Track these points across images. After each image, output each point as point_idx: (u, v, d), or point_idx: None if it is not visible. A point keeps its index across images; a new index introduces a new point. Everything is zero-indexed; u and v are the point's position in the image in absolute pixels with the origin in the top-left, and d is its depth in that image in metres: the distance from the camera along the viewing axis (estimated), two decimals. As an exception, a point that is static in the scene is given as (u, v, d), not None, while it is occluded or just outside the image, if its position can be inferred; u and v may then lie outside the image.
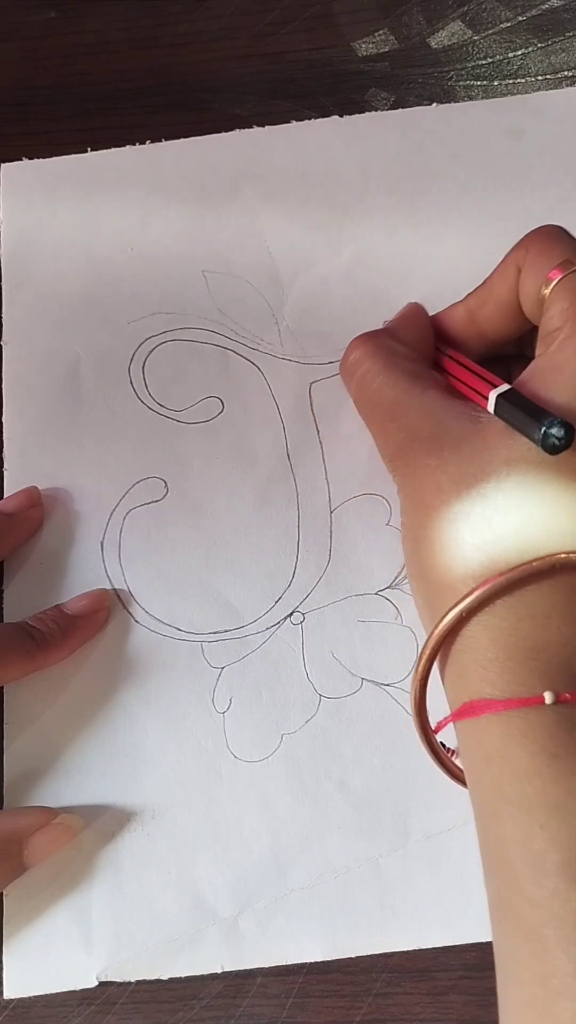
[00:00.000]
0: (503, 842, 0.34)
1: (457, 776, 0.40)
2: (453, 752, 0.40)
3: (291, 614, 0.47)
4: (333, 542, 0.47)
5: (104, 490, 0.48)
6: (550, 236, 0.40)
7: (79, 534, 0.47)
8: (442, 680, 0.39)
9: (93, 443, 0.48)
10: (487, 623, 0.36)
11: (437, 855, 0.44)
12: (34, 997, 0.44)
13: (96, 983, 0.43)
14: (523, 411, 0.35)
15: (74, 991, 0.44)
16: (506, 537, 0.36)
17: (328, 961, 0.44)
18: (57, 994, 0.44)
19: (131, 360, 0.50)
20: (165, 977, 0.44)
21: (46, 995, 0.44)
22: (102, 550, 0.47)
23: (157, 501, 0.48)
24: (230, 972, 0.44)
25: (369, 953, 0.44)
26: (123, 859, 0.44)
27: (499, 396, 0.37)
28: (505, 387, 0.37)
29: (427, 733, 0.39)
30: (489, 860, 0.35)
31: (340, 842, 0.44)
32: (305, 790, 0.45)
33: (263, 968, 0.44)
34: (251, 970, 0.44)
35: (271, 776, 0.45)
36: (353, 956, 0.44)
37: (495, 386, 0.38)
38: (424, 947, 0.44)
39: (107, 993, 0.44)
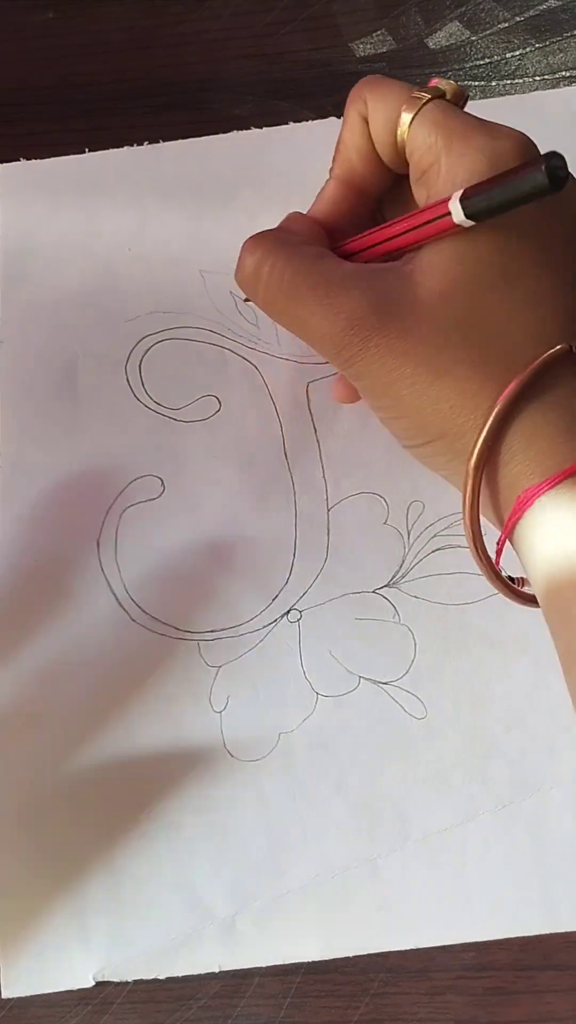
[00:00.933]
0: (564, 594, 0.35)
1: (524, 597, 0.40)
2: (519, 581, 0.40)
3: (288, 612, 0.47)
4: (330, 540, 0.48)
5: (101, 488, 0.49)
6: (378, 80, 0.40)
7: (75, 532, 0.48)
8: (485, 511, 0.39)
9: (90, 441, 0.49)
10: (516, 426, 0.36)
11: (435, 855, 0.45)
12: (31, 997, 0.45)
13: (93, 983, 0.44)
14: (500, 181, 0.34)
15: (72, 991, 0.45)
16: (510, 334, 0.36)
17: (325, 961, 0.45)
18: (54, 994, 0.45)
19: (128, 359, 0.50)
20: (162, 977, 0.44)
21: (43, 995, 0.45)
22: (98, 548, 0.48)
23: (154, 499, 0.49)
24: (227, 972, 0.45)
25: (367, 953, 0.44)
26: (119, 859, 0.45)
27: (463, 194, 0.35)
28: (457, 192, 0.35)
29: (485, 555, 0.39)
30: (557, 617, 0.36)
31: (338, 842, 0.45)
32: (303, 789, 0.46)
33: (260, 968, 0.45)
34: (249, 970, 0.45)
35: (268, 775, 0.46)
36: (351, 956, 0.45)
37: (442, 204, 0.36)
38: (422, 947, 0.44)
39: (104, 993, 0.45)
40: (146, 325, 0.51)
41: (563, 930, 0.44)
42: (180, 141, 0.54)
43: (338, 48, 0.57)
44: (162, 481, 0.49)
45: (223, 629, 0.47)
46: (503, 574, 0.39)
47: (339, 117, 0.54)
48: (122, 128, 0.56)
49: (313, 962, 0.45)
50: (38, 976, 0.44)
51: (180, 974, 0.44)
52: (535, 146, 0.38)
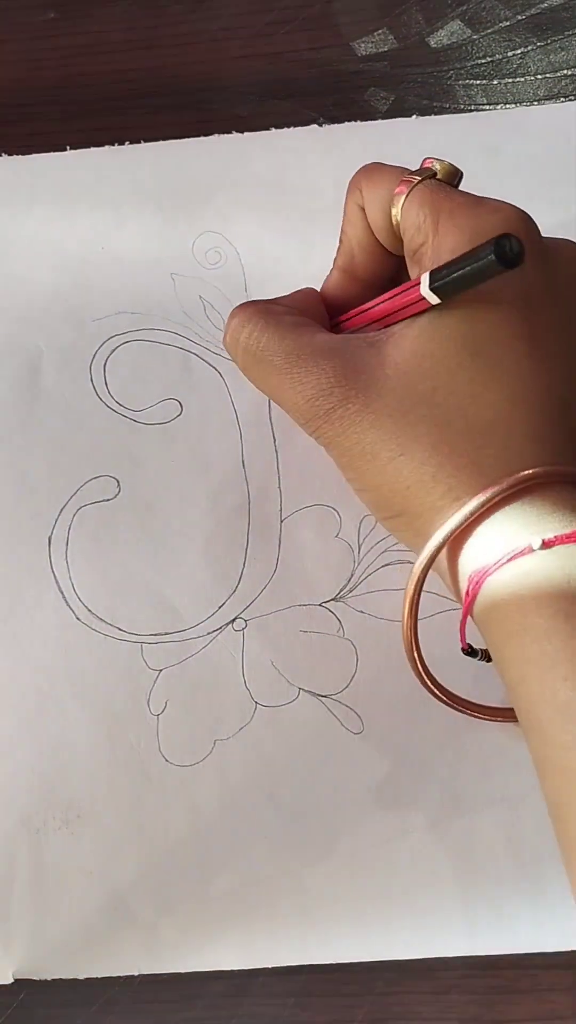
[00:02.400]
0: (532, 702, 0.36)
1: (446, 700, 0.44)
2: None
3: (233, 620, 0.51)
4: (281, 551, 0.51)
5: (56, 485, 0.52)
6: (374, 168, 0.44)
7: (27, 528, 0.52)
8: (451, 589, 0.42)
9: (48, 437, 0.53)
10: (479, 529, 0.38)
11: (361, 870, 0.48)
12: (38, 997, 0.48)
13: (11, 980, 0.47)
14: (463, 261, 0.37)
15: (76, 992, 0.48)
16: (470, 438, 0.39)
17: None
18: (60, 994, 0.48)
19: (93, 358, 0.54)
20: (81, 977, 0.47)
21: (49, 995, 0.48)
22: (49, 545, 0.52)
23: (108, 500, 0.52)
24: (232, 971, 0.48)
25: (286, 964, 0.48)
26: (46, 857, 0.48)
27: (431, 273, 0.38)
28: (426, 273, 0.39)
29: (418, 656, 0.43)
30: (525, 724, 0.37)
31: (265, 852, 0.48)
32: (234, 798, 0.48)
33: (266, 968, 0.48)
34: (253, 969, 0.48)
35: (201, 782, 0.49)
36: (268, 967, 0.48)
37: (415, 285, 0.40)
38: (342, 961, 0.47)
39: (109, 993, 0.48)
40: (113, 325, 0.55)
41: (480, 953, 0.47)
42: (160, 143, 0.58)
43: (339, 47, 0.60)
44: (118, 482, 0.52)
45: (167, 633, 0.50)
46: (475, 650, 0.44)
47: (332, 122, 0.58)
48: (123, 128, 0.59)
49: (319, 962, 0.48)
50: None
51: (99, 975, 0.47)
52: (524, 219, 0.40)
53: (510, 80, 0.58)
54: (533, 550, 0.36)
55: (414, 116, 0.58)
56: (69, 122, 0.60)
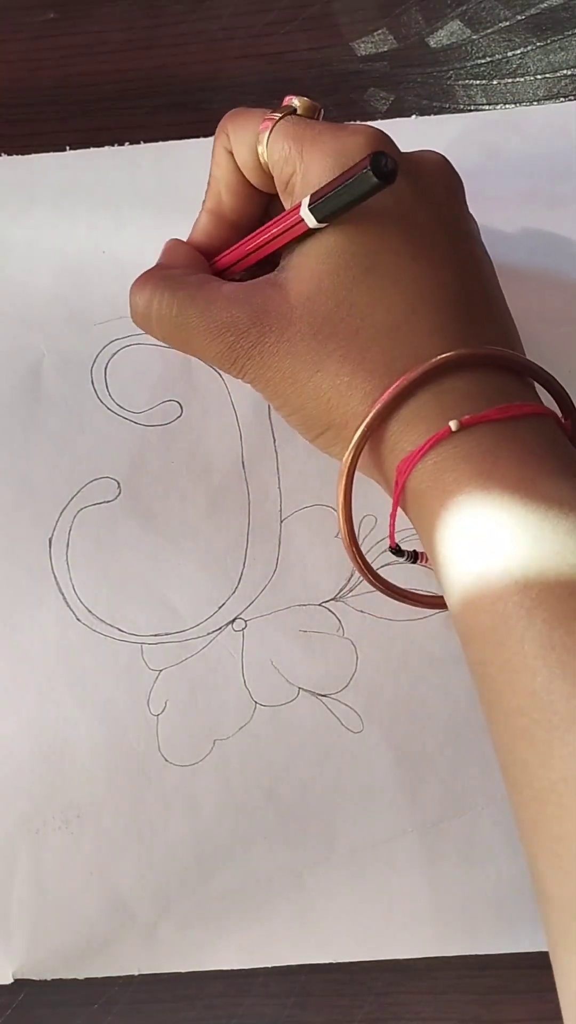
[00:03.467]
0: (456, 574, 0.40)
1: (384, 588, 0.46)
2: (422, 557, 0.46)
3: (233, 620, 0.51)
4: (281, 551, 0.52)
5: (57, 487, 0.53)
6: (239, 111, 0.47)
7: (28, 529, 0.52)
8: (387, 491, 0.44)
9: (49, 440, 0.54)
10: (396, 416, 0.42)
11: (360, 869, 0.48)
12: (37, 998, 0.49)
13: (11, 980, 0.48)
14: (339, 183, 0.40)
15: (75, 992, 0.49)
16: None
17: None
18: (60, 994, 0.49)
19: (94, 361, 0.55)
20: (81, 977, 0.48)
21: (48, 995, 0.49)
22: (50, 546, 0.52)
23: (109, 501, 0.53)
24: (232, 971, 0.49)
25: (285, 964, 0.48)
26: (46, 857, 0.49)
27: (311, 196, 0.41)
28: (306, 198, 0.42)
29: (354, 543, 0.45)
30: (450, 597, 0.41)
31: (265, 851, 0.49)
32: (233, 797, 0.49)
33: (265, 968, 0.48)
34: (253, 969, 0.48)
35: (200, 781, 0.49)
36: (269, 966, 0.49)
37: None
38: (340, 960, 0.48)
39: (109, 993, 0.49)
40: (114, 328, 0.55)
41: (480, 952, 0.48)
42: (160, 144, 0.58)
43: (339, 47, 0.61)
44: (119, 484, 0.53)
45: (167, 634, 0.51)
46: (403, 550, 0.46)
47: (338, 116, 0.59)
48: (122, 128, 0.60)
49: (318, 962, 0.48)
50: None
51: (99, 975, 0.48)
52: (384, 138, 0.43)
53: (510, 80, 0.59)
54: (452, 432, 0.39)
55: (414, 116, 0.59)
56: (68, 122, 0.60)
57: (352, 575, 0.51)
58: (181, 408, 0.54)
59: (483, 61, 0.60)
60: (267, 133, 0.44)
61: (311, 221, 0.42)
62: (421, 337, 0.42)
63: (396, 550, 0.46)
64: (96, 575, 0.52)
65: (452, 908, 0.48)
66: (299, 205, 0.42)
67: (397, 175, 0.39)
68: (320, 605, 0.51)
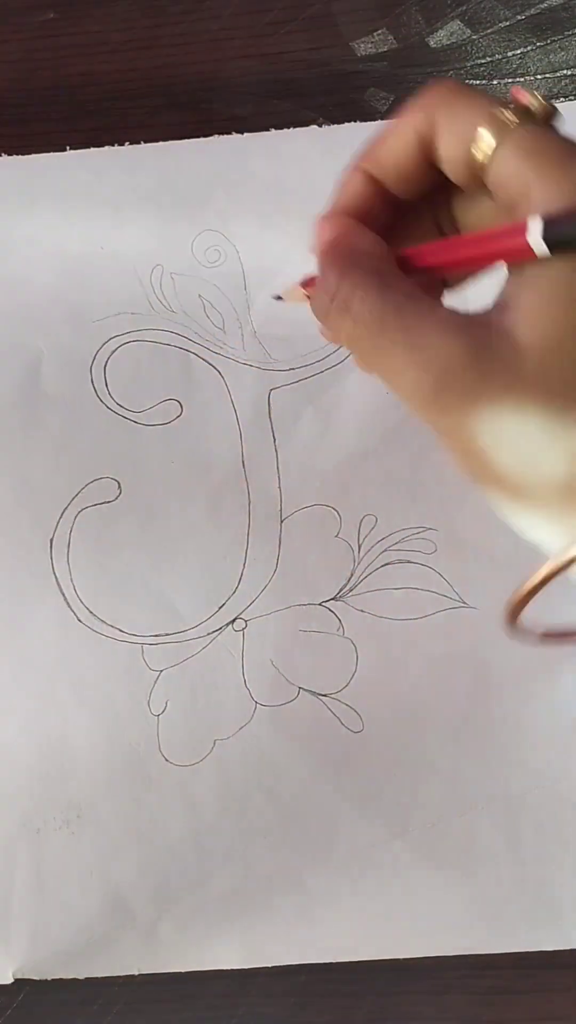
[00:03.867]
0: None
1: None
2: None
3: (233, 621, 0.51)
4: (281, 551, 0.52)
5: (57, 487, 0.53)
6: (455, 92, 0.38)
7: (29, 530, 0.53)
8: None
9: (49, 440, 0.54)
10: None
11: (361, 870, 0.48)
12: (37, 998, 0.49)
13: (11, 980, 0.48)
14: None
15: (76, 992, 0.49)
16: None
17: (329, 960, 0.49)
18: (60, 995, 0.49)
19: (93, 359, 0.55)
20: (81, 977, 0.48)
21: (49, 996, 0.49)
22: (51, 547, 0.53)
23: (110, 502, 0.53)
24: (232, 971, 0.49)
25: (285, 963, 0.48)
26: (46, 857, 0.49)
27: (546, 222, 0.34)
28: (537, 217, 0.33)
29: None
30: None
31: (265, 851, 0.49)
32: (233, 797, 0.49)
33: (266, 967, 0.49)
34: (253, 969, 0.48)
35: (201, 781, 0.50)
36: (270, 966, 0.49)
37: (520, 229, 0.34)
38: (340, 960, 0.48)
39: (108, 993, 0.49)
40: (113, 326, 0.56)
41: (481, 952, 0.48)
42: (160, 143, 0.59)
43: (338, 48, 0.61)
44: (119, 484, 0.53)
45: (167, 634, 0.51)
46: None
47: (332, 122, 0.59)
48: (122, 128, 0.60)
49: (318, 962, 0.48)
50: None
51: (99, 975, 0.48)
52: None
53: (510, 80, 0.59)
54: None
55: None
56: (68, 122, 0.61)
57: (352, 575, 0.51)
58: (181, 407, 0.54)
59: (483, 61, 0.60)
60: (495, 140, 0.36)
61: (541, 249, 0.34)
62: None
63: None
64: (97, 576, 0.52)
65: (453, 908, 0.48)
66: (524, 224, 0.34)
67: None
68: (320, 605, 0.51)
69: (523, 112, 0.37)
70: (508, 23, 0.61)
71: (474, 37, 0.61)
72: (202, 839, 0.49)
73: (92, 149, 0.59)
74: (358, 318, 0.37)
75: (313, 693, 0.50)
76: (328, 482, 0.53)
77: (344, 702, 0.50)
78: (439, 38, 0.61)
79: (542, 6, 0.61)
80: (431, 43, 0.61)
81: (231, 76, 0.61)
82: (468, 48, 0.61)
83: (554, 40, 0.60)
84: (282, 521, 0.52)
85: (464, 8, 0.61)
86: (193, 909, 0.49)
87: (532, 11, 0.61)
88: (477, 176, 0.38)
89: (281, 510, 0.53)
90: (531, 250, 0.34)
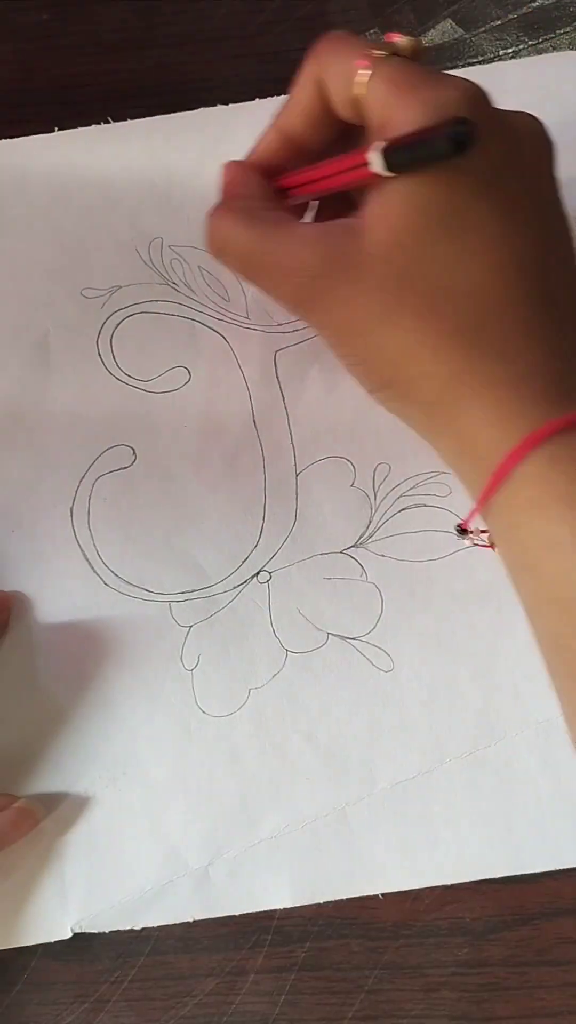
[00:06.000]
0: (525, 545, 0.41)
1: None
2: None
3: (258, 573, 0.53)
4: (299, 504, 0.54)
5: (74, 458, 0.55)
6: (337, 38, 0.45)
7: (49, 501, 0.54)
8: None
9: (62, 413, 0.55)
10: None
11: (402, 802, 0.50)
12: (28, 995, 0.50)
13: (71, 934, 0.49)
14: (414, 139, 0.39)
15: (66, 990, 0.50)
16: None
17: (321, 958, 0.50)
18: (51, 991, 0.50)
19: (99, 333, 0.56)
20: (138, 927, 0.49)
21: (40, 992, 0.50)
22: (72, 516, 0.54)
23: (126, 468, 0.54)
24: (223, 969, 0.50)
25: (336, 898, 0.50)
26: (95, 814, 0.51)
27: (386, 150, 0.40)
28: (380, 143, 0.40)
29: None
30: (517, 567, 0.42)
31: (307, 792, 0.50)
32: (272, 742, 0.51)
33: (255, 965, 0.50)
34: (244, 967, 0.49)
35: (239, 730, 0.51)
36: (321, 902, 0.50)
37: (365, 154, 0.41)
38: (389, 891, 0.49)
39: (100, 991, 0.50)
40: (117, 299, 0.57)
41: (526, 871, 0.49)
42: (148, 119, 0.60)
43: None
44: (133, 450, 0.55)
45: (194, 591, 0.53)
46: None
47: None
48: None
49: (308, 960, 0.50)
50: (17, 929, 0.50)
51: (155, 924, 0.49)
52: (482, 95, 0.42)
53: (502, 80, 0.61)
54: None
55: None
56: (63, 123, 0.61)
57: (370, 522, 0.53)
58: (189, 373, 0.56)
59: (475, 60, 0.62)
60: (367, 72, 0.43)
61: (381, 170, 0.40)
62: (499, 306, 0.41)
63: (463, 531, 0.48)
64: (119, 540, 0.54)
65: (495, 831, 0.50)
66: (369, 147, 0.41)
67: (471, 147, 0.38)
68: (342, 552, 0.53)
69: (392, 49, 0.43)
70: (500, 22, 0.62)
71: (466, 36, 0.62)
72: (246, 785, 0.51)
73: (80, 128, 0.61)
74: (232, 254, 0.46)
75: (342, 637, 0.52)
76: (339, 435, 0.54)
77: (373, 644, 0.52)
78: (431, 37, 0.62)
79: (533, 5, 0.63)
80: (423, 42, 0.61)
81: (225, 76, 0.62)
82: (460, 47, 0.62)
83: (546, 39, 0.62)
84: (297, 475, 0.54)
85: (456, 7, 0.63)
86: (242, 853, 0.50)
87: (523, 10, 0.62)
88: (360, 111, 0.45)
89: (295, 464, 0.54)
90: (375, 176, 0.41)
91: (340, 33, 0.46)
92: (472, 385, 0.42)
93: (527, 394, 0.41)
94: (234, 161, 0.50)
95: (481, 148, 0.40)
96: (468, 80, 0.42)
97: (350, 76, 0.44)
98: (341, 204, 0.49)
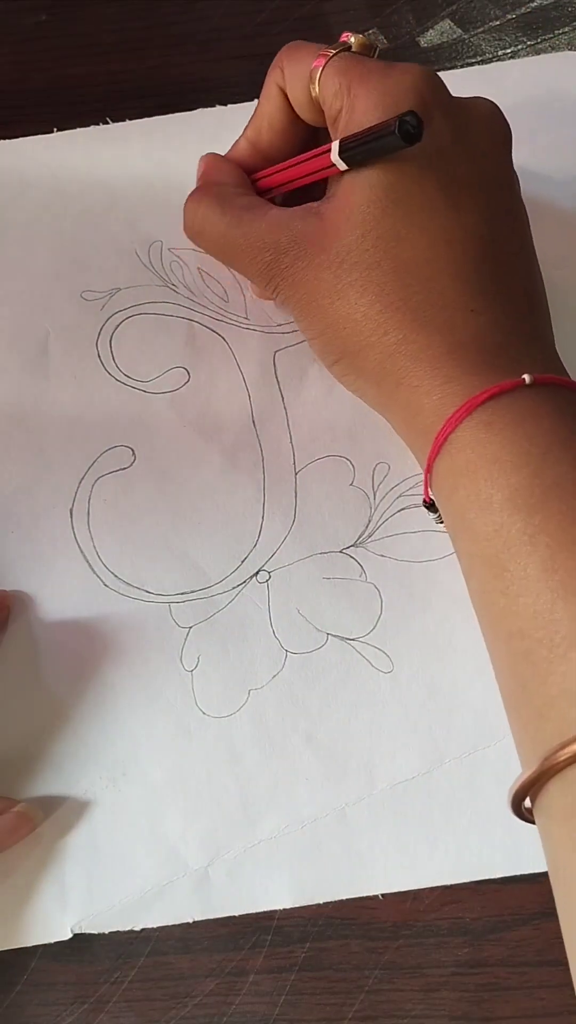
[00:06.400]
0: (477, 541, 0.42)
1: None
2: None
3: (257, 573, 0.53)
4: (298, 503, 0.54)
5: (73, 459, 0.55)
6: (295, 46, 0.49)
7: (49, 502, 0.54)
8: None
9: (61, 414, 0.55)
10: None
11: (402, 802, 0.50)
12: (28, 996, 0.50)
13: (71, 935, 0.49)
14: (368, 135, 0.43)
15: (66, 991, 0.50)
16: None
17: (321, 959, 0.49)
18: (50, 992, 0.49)
19: (99, 334, 0.57)
20: (138, 928, 0.49)
21: (39, 994, 0.50)
22: (71, 517, 0.54)
23: (125, 468, 0.55)
24: (222, 970, 0.50)
25: (337, 899, 0.50)
26: (95, 815, 0.51)
27: (340, 143, 0.44)
28: (336, 141, 0.44)
29: None
30: (456, 531, 0.45)
31: (307, 792, 0.50)
32: (272, 743, 0.51)
33: (255, 965, 0.50)
34: (243, 968, 0.49)
35: (239, 730, 0.51)
36: (321, 902, 0.50)
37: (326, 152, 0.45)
38: (390, 891, 0.49)
39: (100, 991, 0.50)
40: (116, 301, 0.57)
41: (525, 872, 0.49)
42: (147, 119, 0.61)
43: None
44: (133, 451, 0.55)
45: (193, 591, 0.53)
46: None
47: None
48: None
49: (308, 960, 0.49)
50: (16, 930, 0.49)
51: (155, 924, 0.49)
52: (432, 80, 0.45)
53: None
54: (525, 384, 0.42)
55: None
56: (61, 124, 0.62)
57: (369, 521, 0.53)
58: (188, 374, 0.56)
59: (474, 60, 0.62)
60: (320, 69, 0.46)
61: (340, 164, 0.45)
62: (442, 280, 0.44)
63: (430, 505, 0.49)
64: (119, 540, 0.54)
65: (494, 831, 0.50)
66: (329, 146, 0.45)
67: (422, 137, 0.41)
68: (341, 552, 0.53)
69: (343, 47, 0.47)
70: (498, 22, 0.63)
71: (465, 36, 0.63)
72: (245, 786, 0.51)
73: (79, 129, 0.61)
74: (207, 236, 0.51)
75: (341, 638, 0.52)
76: (338, 434, 0.55)
77: (372, 644, 0.52)
78: (430, 37, 0.63)
79: (532, 5, 0.63)
80: (422, 42, 0.63)
81: (222, 77, 0.63)
82: (459, 47, 0.62)
83: (544, 39, 0.62)
84: (296, 474, 0.54)
85: (455, 7, 0.63)
86: (242, 854, 0.50)
87: (522, 10, 0.63)
88: (318, 109, 0.48)
89: (295, 464, 0.54)
90: (335, 167, 0.45)
91: (298, 42, 0.49)
92: (414, 356, 0.44)
93: (466, 364, 0.43)
94: (211, 153, 0.53)
95: (430, 131, 0.43)
96: (420, 66, 0.45)
97: (306, 77, 0.47)
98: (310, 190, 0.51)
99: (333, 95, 0.46)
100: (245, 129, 0.52)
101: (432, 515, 0.49)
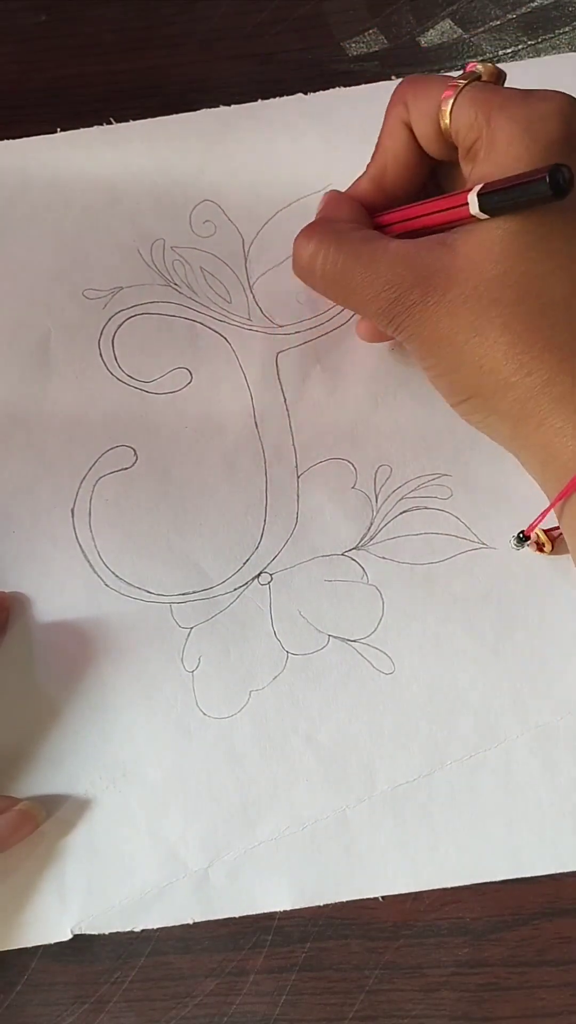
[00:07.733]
0: None
1: None
2: None
3: (259, 575, 0.53)
4: (300, 505, 0.54)
5: (75, 459, 0.55)
6: (417, 79, 0.47)
7: (50, 502, 0.54)
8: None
9: (63, 414, 0.55)
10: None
11: (402, 804, 0.50)
12: (28, 996, 0.50)
13: (71, 936, 0.49)
14: (512, 185, 0.41)
15: (66, 991, 0.50)
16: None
17: (320, 958, 0.49)
18: (51, 992, 0.50)
19: (101, 334, 0.57)
20: (138, 929, 0.50)
21: (40, 994, 0.50)
22: (72, 517, 0.54)
23: (127, 468, 0.55)
24: (223, 970, 0.50)
25: (336, 901, 0.50)
26: (95, 816, 0.51)
27: (480, 196, 0.42)
28: (477, 186, 0.42)
29: None
30: None
31: (307, 794, 0.50)
32: (273, 744, 0.51)
33: (256, 965, 0.50)
34: (244, 968, 0.49)
35: (239, 732, 0.51)
36: (321, 904, 0.50)
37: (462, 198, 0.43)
38: (390, 893, 0.50)
39: (100, 991, 0.50)
40: (118, 300, 0.57)
41: (526, 875, 0.49)
42: (148, 120, 0.61)
43: (330, 48, 0.63)
44: (135, 451, 0.55)
45: (195, 592, 0.53)
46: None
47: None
48: None
49: (308, 960, 0.49)
50: (16, 930, 0.50)
51: (155, 925, 0.49)
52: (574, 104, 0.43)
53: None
54: None
55: (392, 77, 0.61)
56: (61, 124, 0.62)
57: (371, 524, 0.53)
58: (190, 374, 0.56)
59: (474, 61, 0.61)
60: (451, 100, 0.44)
61: (476, 212, 0.43)
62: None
63: (524, 537, 0.50)
64: (120, 540, 0.54)
65: (495, 834, 0.50)
66: (468, 190, 0.43)
67: (572, 189, 0.40)
68: (343, 555, 0.53)
69: (473, 76, 0.45)
70: (499, 22, 0.63)
71: (465, 36, 0.63)
72: (245, 787, 0.51)
73: (82, 129, 0.61)
74: (323, 271, 0.47)
75: (343, 640, 0.52)
76: (341, 436, 0.55)
77: (374, 646, 0.52)
78: (430, 37, 0.63)
79: (533, 5, 0.63)
80: (422, 43, 0.63)
81: (222, 77, 0.63)
82: (459, 47, 0.63)
83: (545, 39, 0.62)
84: (299, 476, 0.54)
85: (455, 7, 0.63)
86: (242, 855, 0.50)
87: (523, 10, 0.63)
88: (450, 143, 0.46)
89: (297, 466, 0.54)
90: (472, 217, 0.43)
91: (419, 75, 0.48)
92: (559, 398, 0.43)
93: None
94: (333, 189, 0.51)
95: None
96: (562, 93, 0.43)
97: (435, 110, 0.45)
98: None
99: (468, 126, 0.44)
100: (368, 167, 0.50)
101: (518, 547, 0.51)
